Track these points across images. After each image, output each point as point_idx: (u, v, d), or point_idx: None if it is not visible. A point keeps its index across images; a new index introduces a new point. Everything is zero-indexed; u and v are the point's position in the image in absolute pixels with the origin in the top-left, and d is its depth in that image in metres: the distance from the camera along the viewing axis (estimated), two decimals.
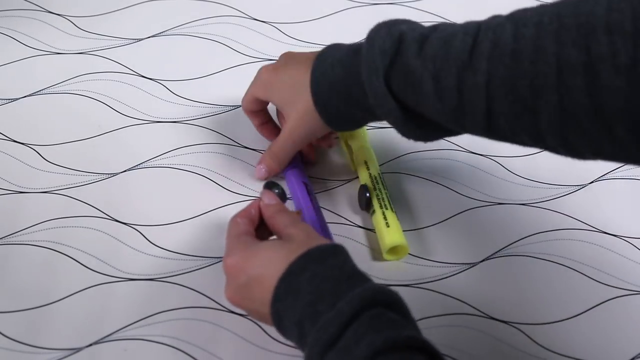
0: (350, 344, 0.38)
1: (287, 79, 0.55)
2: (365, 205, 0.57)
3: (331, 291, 0.41)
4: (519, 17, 0.42)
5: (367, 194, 0.57)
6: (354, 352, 0.37)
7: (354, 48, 0.51)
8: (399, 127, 0.50)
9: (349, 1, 0.77)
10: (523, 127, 0.42)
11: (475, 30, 0.43)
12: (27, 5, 0.74)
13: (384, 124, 0.64)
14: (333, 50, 0.53)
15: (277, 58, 0.59)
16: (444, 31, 0.45)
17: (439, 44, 0.45)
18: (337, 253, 0.44)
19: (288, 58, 0.57)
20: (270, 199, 0.51)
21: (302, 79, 0.53)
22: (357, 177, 0.60)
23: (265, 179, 0.59)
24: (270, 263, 0.44)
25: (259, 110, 0.60)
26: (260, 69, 0.57)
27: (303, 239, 0.45)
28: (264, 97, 0.57)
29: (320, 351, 0.39)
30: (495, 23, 0.43)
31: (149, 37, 0.72)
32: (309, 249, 0.43)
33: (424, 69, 0.45)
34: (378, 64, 0.47)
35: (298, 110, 0.54)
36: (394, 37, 0.47)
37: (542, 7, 0.41)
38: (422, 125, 0.49)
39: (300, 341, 0.42)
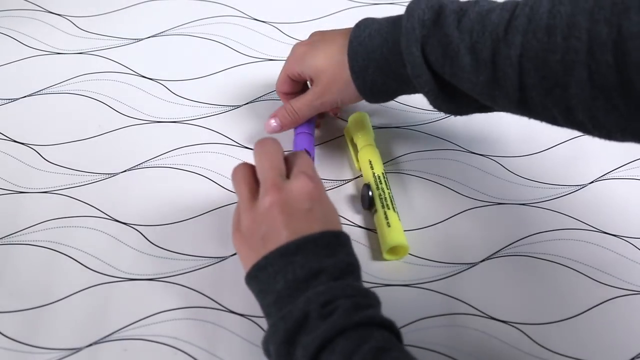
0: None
1: (322, 50, 0.55)
2: (368, 204, 0.57)
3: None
4: None
5: (370, 193, 0.57)
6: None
7: (392, 20, 0.51)
8: (432, 99, 0.51)
9: (349, 1, 0.77)
10: (554, 102, 0.43)
11: (512, 6, 0.45)
12: (27, 5, 0.74)
13: (388, 123, 0.65)
14: (369, 22, 0.53)
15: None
16: (483, 6, 0.47)
17: (476, 18, 0.46)
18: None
19: (321, 34, 0.57)
20: None
21: (338, 50, 0.53)
22: (361, 176, 0.60)
23: (274, 133, 0.59)
24: (330, 219, 0.47)
25: (291, 93, 0.60)
26: (295, 45, 0.58)
27: None
28: (298, 69, 0.56)
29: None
30: (533, 0, 0.44)
31: (148, 37, 0.72)
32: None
33: (460, 41, 0.46)
34: (417, 34, 0.48)
35: (332, 77, 0.54)
36: (433, 8, 0.48)
37: None
38: (456, 99, 0.50)
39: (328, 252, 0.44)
